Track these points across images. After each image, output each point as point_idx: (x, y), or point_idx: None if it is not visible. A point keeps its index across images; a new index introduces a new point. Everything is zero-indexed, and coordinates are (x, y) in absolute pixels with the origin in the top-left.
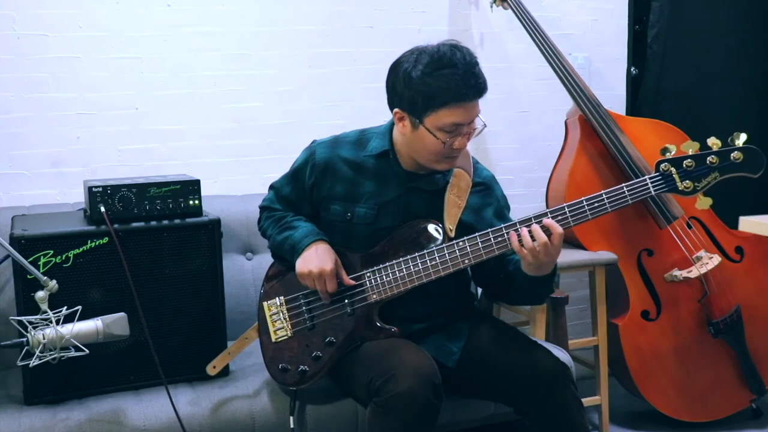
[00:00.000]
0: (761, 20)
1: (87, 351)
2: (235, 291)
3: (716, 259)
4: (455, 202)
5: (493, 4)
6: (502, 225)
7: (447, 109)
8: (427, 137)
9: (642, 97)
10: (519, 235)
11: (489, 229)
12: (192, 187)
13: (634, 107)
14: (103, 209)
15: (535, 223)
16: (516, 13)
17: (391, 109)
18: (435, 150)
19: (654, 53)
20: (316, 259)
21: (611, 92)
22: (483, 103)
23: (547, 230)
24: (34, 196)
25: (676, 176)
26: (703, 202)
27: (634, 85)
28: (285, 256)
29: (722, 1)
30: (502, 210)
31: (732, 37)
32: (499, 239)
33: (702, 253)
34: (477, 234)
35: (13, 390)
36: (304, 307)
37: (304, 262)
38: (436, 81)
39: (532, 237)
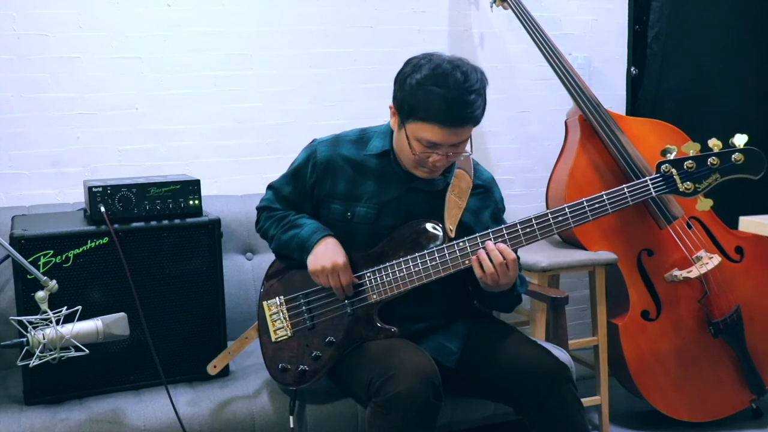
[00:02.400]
0: (761, 20)
1: (87, 351)
2: (235, 291)
3: (716, 259)
4: (456, 203)
5: (493, 4)
6: (503, 226)
7: (426, 124)
8: (405, 141)
9: (642, 97)
10: (479, 260)
11: (490, 230)
12: (192, 187)
13: (634, 107)
14: (103, 209)
15: (493, 245)
16: (516, 13)
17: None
18: (408, 155)
19: (654, 53)
20: (327, 254)
21: (611, 92)
22: None
23: (502, 255)
24: (34, 196)
25: (676, 177)
26: (704, 204)
27: (634, 85)
28: (292, 255)
29: (722, 1)
30: (499, 213)
31: (732, 37)
32: (500, 240)
33: (702, 253)
34: (477, 234)
35: (13, 390)
36: (304, 307)
37: (315, 260)
38: (424, 95)
39: (490, 260)
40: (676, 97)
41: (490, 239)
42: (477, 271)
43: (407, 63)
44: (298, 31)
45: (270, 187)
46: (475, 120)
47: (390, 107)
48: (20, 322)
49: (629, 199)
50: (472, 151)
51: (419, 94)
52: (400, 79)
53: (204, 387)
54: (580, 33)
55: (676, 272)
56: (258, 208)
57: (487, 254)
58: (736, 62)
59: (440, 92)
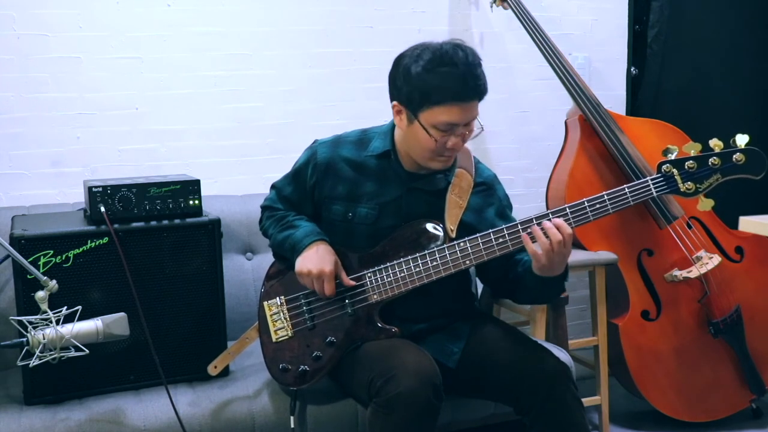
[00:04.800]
0: (761, 20)
1: (87, 351)
2: (235, 291)
3: (716, 259)
4: (456, 203)
5: (493, 4)
6: (504, 225)
7: (442, 107)
8: (421, 133)
9: (642, 97)
10: (531, 235)
11: (490, 230)
12: (192, 187)
13: (634, 107)
14: (103, 209)
15: (546, 221)
16: (516, 13)
17: (391, 101)
18: (427, 147)
19: (654, 53)
20: (315, 259)
21: (611, 92)
22: (484, 103)
23: (557, 230)
24: (34, 196)
25: (677, 177)
26: (705, 204)
27: (634, 85)
28: (285, 255)
29: (722, 1)
30: (504, 210)
31: (732, 37)
32: (500, 240)
33: (702, 253)
34: (478, 234)
35: (13, 390)
36: (304, 307)
37: (303, 262)
38: (434, 78)
39: (545, 235)
40: (676, 97)
41: (491, 240)
42: (529, 248)
43: (401, 58)
44: (298, 31)
45: (273, 186)
46: (485, 91)
47: (393, 105)
48: (20, 322)
49: (630, 199)
50: (482, 127)
51: (430, 79)
52: (403, 73)
53: (204, 387)
54: (580, 33)
55: (676, 272)
56: (261, 207)
57: (543, 232)
58: (736, 62)
59: (451, 70)
